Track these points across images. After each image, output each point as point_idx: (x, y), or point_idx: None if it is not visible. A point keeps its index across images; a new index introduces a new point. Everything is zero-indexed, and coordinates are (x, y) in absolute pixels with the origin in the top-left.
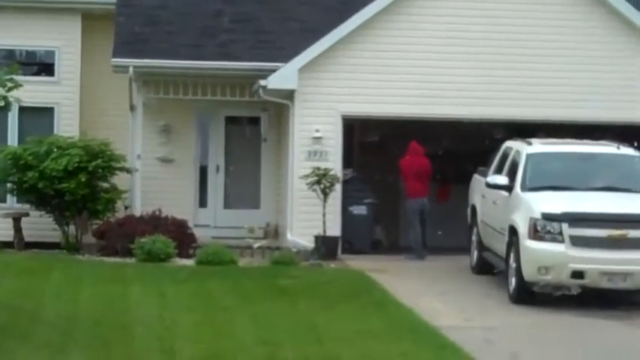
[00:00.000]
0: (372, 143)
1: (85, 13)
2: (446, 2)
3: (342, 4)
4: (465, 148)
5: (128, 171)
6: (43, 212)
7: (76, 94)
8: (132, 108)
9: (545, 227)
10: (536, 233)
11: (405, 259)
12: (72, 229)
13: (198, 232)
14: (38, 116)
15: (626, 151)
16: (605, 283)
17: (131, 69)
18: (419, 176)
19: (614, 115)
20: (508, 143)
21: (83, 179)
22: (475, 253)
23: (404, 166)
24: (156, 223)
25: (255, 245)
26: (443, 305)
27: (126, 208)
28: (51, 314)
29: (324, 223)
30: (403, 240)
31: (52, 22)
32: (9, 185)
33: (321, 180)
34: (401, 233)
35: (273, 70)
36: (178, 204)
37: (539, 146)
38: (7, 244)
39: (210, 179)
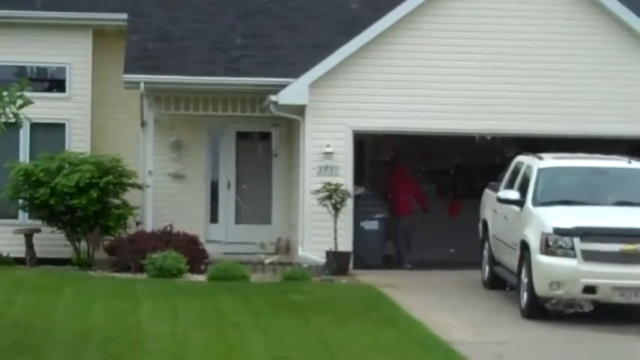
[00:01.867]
0: (383, 159)
1: (96, 30)
2: (457, 17)
3: (353, 20)
4: (475, 163)
5: (139, 187)
6: (54, 228)
7: (87, 110)
8: (143, 124)
9: (557, 242)
10: (547, 248)
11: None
12: (83, 245)
13: (209, 248)
14: (49, 132)
15: (638, 165)
16: (617, 298)
17: (142, 85)
18: (406, 196)
19: (625, 129)
20: (519, 158)
21: (94, 195)
22: (487, 268)
23: (397, 188)
24: (167, 238)
25: (267, 261)
26: (454, 320)
27: (137, 224)
28: (63, 331)
29: (335, 238)
30: (414, 255)
31: (63, 39)
32: (21, 201)
33: (332, 195)
34: (412, 248)
35: (284, 86)
36: (189, 220)
37: (550, 161)
38: (18, 261)
39: (221, 195)
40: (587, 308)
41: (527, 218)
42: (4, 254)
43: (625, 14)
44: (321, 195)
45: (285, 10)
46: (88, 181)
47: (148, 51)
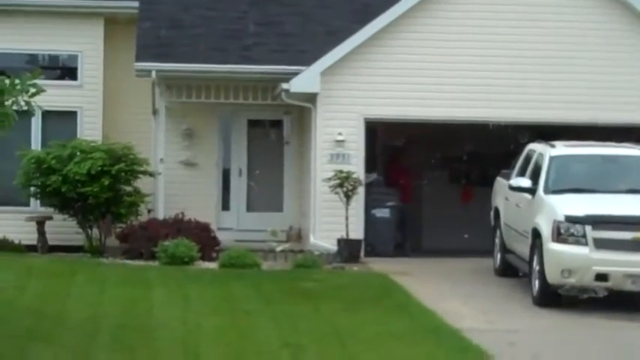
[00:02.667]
0: (395, 147)
1: (108, 17)
2: (469, 5)
3: (364, 7)
4: (487, 150)
5: (151, 174)
6: (66, 216)
7: (98, 97)
8: (155, 112)
9: (569, 230)
10: (559, 236)
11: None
12: (95, 232)
13: (221, 236)
14: (61, 120)
15: None
16: (629, 286)
17: (154, 73)
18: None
19: (637, 117)
20: (531, 146)
21: (106, 183)
22: (498, 256)
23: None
24: (179, 226)
25: (278, 248)
26: (466, 308)
27: (149, 211)
28: (75, 317)
29: (346, 226)
30: (426, 243)
31: (75, 27)
32: (32, 189)
33: (343, 183)
34: (424, 236)
35: (296, 74)
36: (201, 207)
37: (562, 149)
38: (31, 248)
39: (232, 182)
40: (602, 294)
41: (539, 206)
42: (16, 241)
43: (636, 1)
44: (332, 183)
45: None
46: (99, 168)
47: (159, 39)
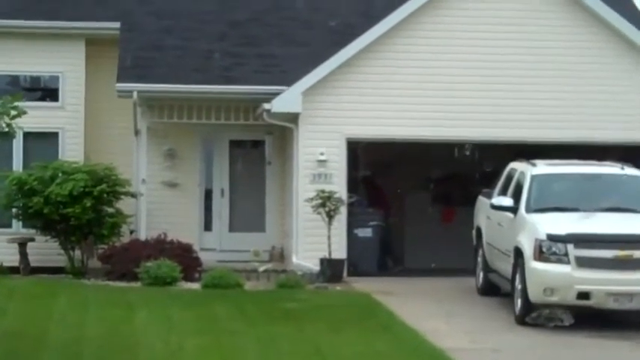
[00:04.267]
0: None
1: (89, 39)
2: (449, 25)
3: (346, 28)
4: (468, 170)
5: (133, 195)
6: (48, 237)
7: (80, 119)
8: (136, 132)
9: (551, 248)
10: (541, 254)
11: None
12: (77, 253)
13: (203, 256)
14: (43, 141)
15: (631, 171)
16: (611, 304)
17: (135, 94)
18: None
19: (618, 135)
20: (512, 165)
21: (88, 204)
22: (481, 275)
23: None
24: (161, 247)
25: (261, 269)
26: (449, 327)
27: (131, 232)
28: (57, 339)
29: (329, 245)
30: (409, 262)
31: (56, 48)
32: (14, 210)
33: (325, 203)
34: (406, 255)
35: (278, 94)
36: (183, 228)
37: (543, 167)
38: (12, 269)
39: (215, 203)
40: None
41: (521, 225)
42: None
43: (618, 22)
44: (314, 203)
45: (278, 19)
46: (81, 189)
47: (140, 59)
